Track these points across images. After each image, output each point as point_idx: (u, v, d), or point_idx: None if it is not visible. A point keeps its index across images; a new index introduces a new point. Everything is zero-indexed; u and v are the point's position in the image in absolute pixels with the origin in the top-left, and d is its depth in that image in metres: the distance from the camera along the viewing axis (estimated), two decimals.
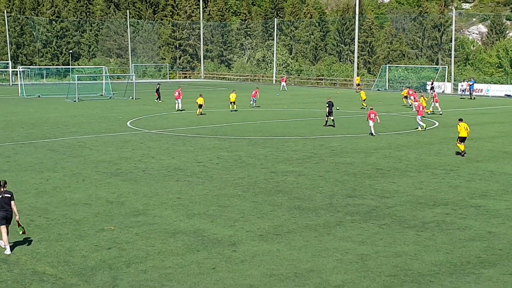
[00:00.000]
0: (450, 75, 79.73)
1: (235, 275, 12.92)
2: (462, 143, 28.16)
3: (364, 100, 52.45)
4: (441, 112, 47.01)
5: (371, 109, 35.89)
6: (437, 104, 47.30)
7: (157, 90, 58.85)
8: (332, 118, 38.72)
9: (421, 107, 37.97)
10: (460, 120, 28.72)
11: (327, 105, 38.70)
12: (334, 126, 38.37)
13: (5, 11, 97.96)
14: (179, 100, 49.10)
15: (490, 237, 15.73)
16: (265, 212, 17.99)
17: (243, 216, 17.52)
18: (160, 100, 57.85)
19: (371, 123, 34.79)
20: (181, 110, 48.63)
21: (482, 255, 14.30)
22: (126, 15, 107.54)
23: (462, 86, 69.51)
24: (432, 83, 70.20)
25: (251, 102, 53.34)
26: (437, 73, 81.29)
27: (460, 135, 28.07)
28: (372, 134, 34.62)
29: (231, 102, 48.90)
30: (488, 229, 16.45)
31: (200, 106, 45.37)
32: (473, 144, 31.77)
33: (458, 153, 28.39)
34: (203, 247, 14.70)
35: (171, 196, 19.90)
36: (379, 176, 23.45)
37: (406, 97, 54.19)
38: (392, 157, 27.64)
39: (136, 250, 14.44)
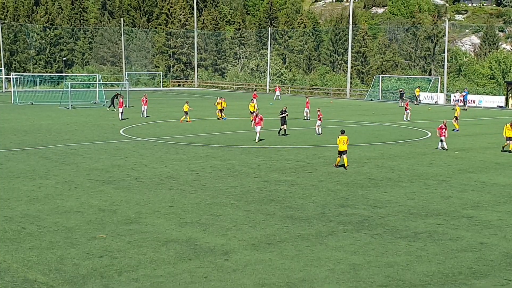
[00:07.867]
0: (443, 86, 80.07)
1: (227, 284, 12.90)
2: (341, 156, 27.00)
3: None
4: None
5: (318, 110, 40.66)
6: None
7: (114, 98, 57.50)
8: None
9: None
10: (342, 132, 27.21)
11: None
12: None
13: None
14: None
15: (482, 248, 15.77)
16: (257, 221, 17.97)
17: (235, 225, 17.51)
18: (114, 108, 55.97)
19: (318, 122, 39.65)
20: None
21: (473, 266, 14.33)
22: (120, 23, 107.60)
23: (455, 97, 69.82)
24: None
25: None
26: (430, 83, 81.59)
27: (339, 149, 26.86)
28: (318, 134, 39.54)
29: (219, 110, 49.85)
30: (480, 240, 16.49)
31: (186, 113, 46.92)
32: (466, 154, 31.92)
33: (340, 165, 27.17)
34: (195, 256, 14.67)
35: (164, 205, 19.87)
36: (372, 186, 23.49)
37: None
38: (384, 167, 27.69)
39: (127, 259, 14.39)
